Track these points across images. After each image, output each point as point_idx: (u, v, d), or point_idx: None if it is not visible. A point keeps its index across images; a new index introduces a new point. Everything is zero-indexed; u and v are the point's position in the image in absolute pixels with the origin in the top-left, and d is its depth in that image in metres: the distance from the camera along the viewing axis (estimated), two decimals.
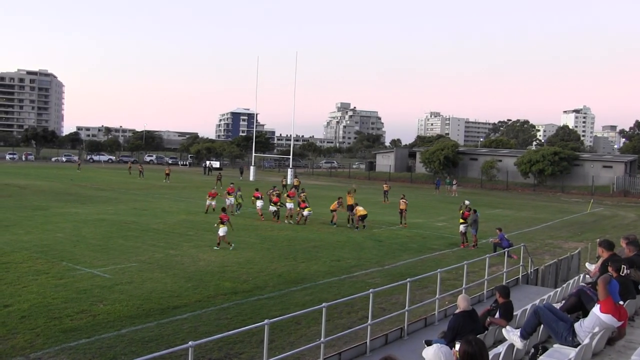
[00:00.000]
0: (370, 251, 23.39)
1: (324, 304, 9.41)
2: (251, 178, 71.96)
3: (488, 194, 66.73)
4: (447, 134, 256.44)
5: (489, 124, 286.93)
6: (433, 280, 16.84)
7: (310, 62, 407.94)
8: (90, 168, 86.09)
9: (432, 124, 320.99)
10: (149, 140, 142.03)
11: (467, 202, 27.38)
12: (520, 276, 16.87)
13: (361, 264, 20.72)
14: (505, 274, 16.32)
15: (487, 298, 14.58)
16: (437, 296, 12.69)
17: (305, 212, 30.47)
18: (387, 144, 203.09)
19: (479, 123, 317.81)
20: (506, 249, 18.31)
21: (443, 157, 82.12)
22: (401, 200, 32.07)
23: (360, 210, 29.67)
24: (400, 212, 31.74)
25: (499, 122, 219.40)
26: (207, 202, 33.79)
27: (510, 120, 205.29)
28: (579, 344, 7.41)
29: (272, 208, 31.38)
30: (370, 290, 10.66)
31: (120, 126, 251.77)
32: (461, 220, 25.81)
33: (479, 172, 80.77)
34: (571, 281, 13.32)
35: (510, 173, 77.61)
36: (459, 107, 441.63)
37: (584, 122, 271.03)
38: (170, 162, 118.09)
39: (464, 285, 14.05)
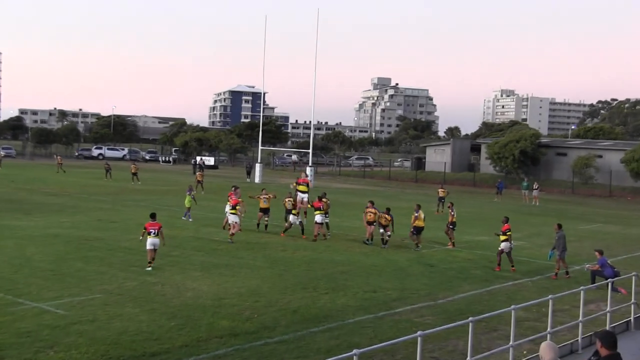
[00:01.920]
0: (418, 279, 23.28)
1: (355, 351, 9.32)
2: (257, 179, 72.16)
3: (582, 202, 66.05)
4: (525, 119, 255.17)
5: (584, 105, 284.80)
6: (505, 321, 16.66)
7: (337, 24, 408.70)
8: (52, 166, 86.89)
9: (503, 106, 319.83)
10: (118, 128, 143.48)
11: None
12: (632, 319, 16.60)
13: (405, 296, 20.62)
14: (609, 315, 16.08)
15: (582, 348, 14.41)
16: (511, 343, 12.56)
17: (319, 218, 30.96)
18: (442, 133, 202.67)
19: (569, 104, 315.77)
20: (610, 280, 18.05)
21: (518, 152, 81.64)
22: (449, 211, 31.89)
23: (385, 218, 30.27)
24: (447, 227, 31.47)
25: (599, 102, 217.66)
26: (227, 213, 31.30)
27: (615, 100, 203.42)
28: None
29: (292, 218, 32.11)
30: (419, 332, 10.56)
31: (80, 109, 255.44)
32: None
33: (569, 173, 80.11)
34: None
35: (615, 174, 76.70)
36: (541, 83, 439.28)
37: None
38: (147, 157, 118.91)
39: (549, 329, 13.90)
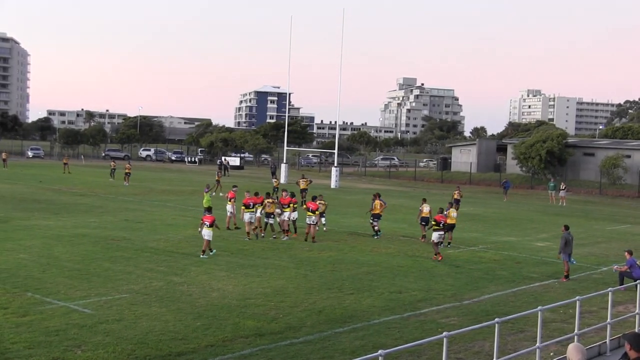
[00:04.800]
0: (444, 280, 23.21)
1: (380, 352, 9.34)
2: (282, 180, 72.21)
3: (611, 202, 65.47)
4: (551, 119, 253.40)
5: (612, 105, 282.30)
6: (532, 323, 16.57)
7: (362, 24, 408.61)
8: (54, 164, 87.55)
9: (529, 106, 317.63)
10: (145, 129, 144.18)
11: None
12: None
13: (431, 297, 20.59)
14: (638, 317, 15.95)
15: (610, 350, 14.32)
16: (537, 344, 12.51)
17: (286, 215, 30.72)
18: (467, 133, 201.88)
19: (596, 104, 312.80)
20: (639, 281, 17.90)
21: (545, 152, 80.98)
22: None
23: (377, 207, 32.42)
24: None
25: (627, 102, 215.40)
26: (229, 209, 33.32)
27: None
28: None
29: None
30: (444, 333, 10.55)
31: (107, 110, 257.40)
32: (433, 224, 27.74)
33: (596, 173, 79.35)
34: None
35: None
36: (568, 83, 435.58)
37: None
38: (173, 157, 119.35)
39: (576, 331, 13.85)
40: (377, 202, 32.73)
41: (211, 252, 25.41)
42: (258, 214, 30.92)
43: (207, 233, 25.32)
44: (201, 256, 24.92)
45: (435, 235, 27.30)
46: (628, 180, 76.93)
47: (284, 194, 32.47)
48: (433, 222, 27.85)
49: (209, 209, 26.96)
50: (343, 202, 50.45)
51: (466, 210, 45.21)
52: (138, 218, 35.95)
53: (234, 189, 34.38)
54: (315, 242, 29.53)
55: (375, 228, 32.16)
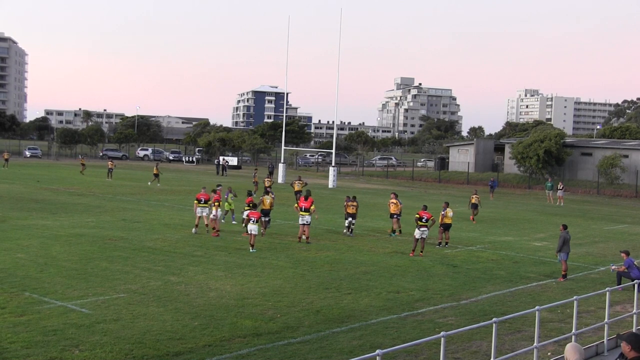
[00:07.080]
0: (442, 280, 23.23)
1: (378, 351, 9.36)
2: (280, 179, 72.29)
3: (608, 202, 65.51)
4: (549, 119, 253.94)
5: (610, 104, 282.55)
6: (529, 322, 16.60)
7: (360, 24, 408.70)
8: (62, 165, 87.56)
9: (527, 106, 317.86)
10: (142, 129, 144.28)
11: None
12: None
13: (429, 297, 20.59)
14: (635, 317, 15.96)
15: (608, 350, 14.33)
16: (535, 344, 12.51)
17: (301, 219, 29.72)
18: (465, 133, 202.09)
19: (594, 104, 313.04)
20: (636, 281, 17.90)
21: (543, 152, 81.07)
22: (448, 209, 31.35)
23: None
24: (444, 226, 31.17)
25: (624, 102, 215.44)
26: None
27: None
28: None
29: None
30: (442, 333, 10.56)
31: (104, 110, 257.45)
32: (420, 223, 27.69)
33: (594, 173, 79.44)
34: None
35: None
36: (565, 83, 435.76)
37: None
38: (171, 157, 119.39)
39: (573, 331, 13.84)
40: (394, 201, 34.11)
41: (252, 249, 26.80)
42: (217, 213, 30.90)
43: (254, 228, 26.73)
44: (250, 250, 26.55)
45: (417, 232, 27.60)
46: (626, 180, 77.03)
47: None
48: (416, 216, 28.01)
49: (254, 206, 28.95)
50: (341, 202, 50.27)
51: (465, 210, 45.19)
52: (135, 218, 35.92)
53: (218, 188, 33.56)
54: (310, 243, 29.45)
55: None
